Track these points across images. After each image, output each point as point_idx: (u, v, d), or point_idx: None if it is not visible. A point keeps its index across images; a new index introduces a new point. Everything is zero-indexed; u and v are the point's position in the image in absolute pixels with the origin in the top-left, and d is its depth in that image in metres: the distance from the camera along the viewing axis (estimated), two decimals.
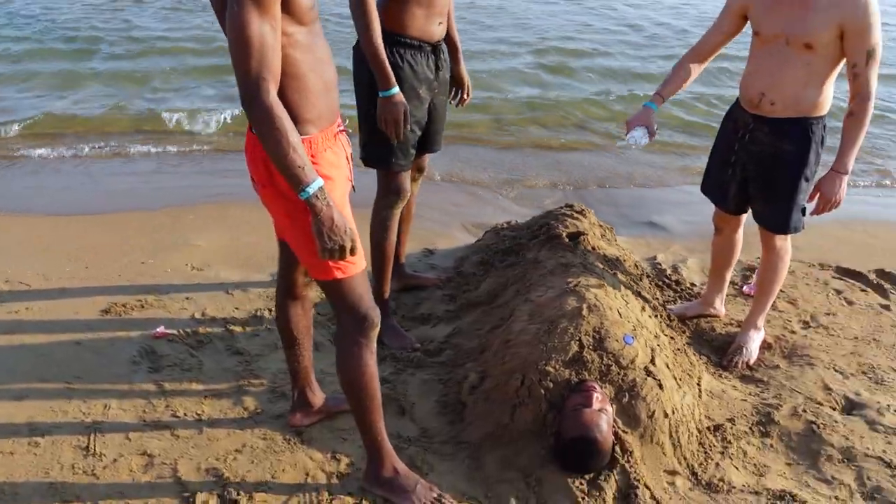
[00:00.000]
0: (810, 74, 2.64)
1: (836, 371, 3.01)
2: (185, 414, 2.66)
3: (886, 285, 3.74)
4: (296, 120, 1.92)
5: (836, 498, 2.36)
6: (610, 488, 2.31)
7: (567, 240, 3.26)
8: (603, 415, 2.33)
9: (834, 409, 2.79)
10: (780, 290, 3.50)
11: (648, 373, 2.51)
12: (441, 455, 2.50)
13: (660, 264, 3.92)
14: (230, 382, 2.85)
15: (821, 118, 2.74)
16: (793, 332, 3.31)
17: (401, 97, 2.69)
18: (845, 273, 3.86)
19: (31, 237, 4.00)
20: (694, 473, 2.44)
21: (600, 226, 3.65)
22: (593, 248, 3.22)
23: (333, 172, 2.04)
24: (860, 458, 2.52)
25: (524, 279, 3.15)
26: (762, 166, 2.81)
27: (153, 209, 4.44)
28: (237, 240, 4.11)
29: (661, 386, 2.50)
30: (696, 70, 2.87)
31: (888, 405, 2.79)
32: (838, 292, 3.67)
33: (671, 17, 11.10)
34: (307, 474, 2.40)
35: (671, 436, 2.48)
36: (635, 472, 2.35)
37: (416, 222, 3.67)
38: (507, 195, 5.04)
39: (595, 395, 2.36)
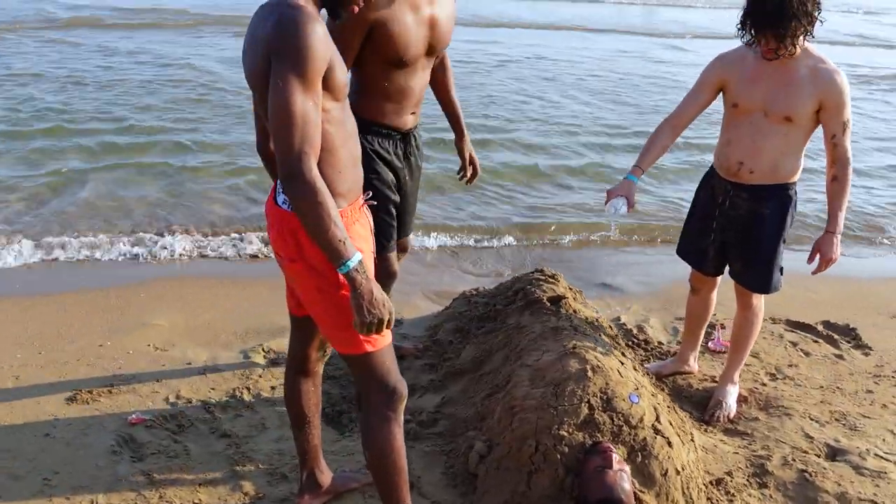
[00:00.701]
0: (787, 144, 2.84)
1: (811, 420, 3.16)
2: (197, 502, 2.51)
3: (835, 336, 3.99)
4: (336, 188, 1.93)
5: None
6: None
7: (548, 304, 3.32)
8: (624, 474, 2.36)
9: (818, 457, 2.91)
10: None
11: (657, 431, 2.57)
12: None
13: (625, 325, 4.04)
14: (223, 467, 2.72)
15: (794, 184, 2.94)
16: (763, 384, 3.46)
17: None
18: (795, 326, 4.09)
19: None
20: None
21: (571, 289, 3.75)
22: (574, 312, 3.30)
23: (363, 245, 2.05)
24: (855, 503, 2.64)
25: (510, 345, 3.18)
26: (742, 230, 2.98)
27: (101, 287, 4.24)
28: (197, 317, 3.97)
29: (669, 444, 2.56)
30: (672, 140, 3.03)
31: (867, 449, 2.94)
32: (794, 344, 3.88)
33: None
34: None
35: (684, 493, 2.52)
36: None
37: None
38: (465, 260, 5.08)
39: (614, 455, 2.39)
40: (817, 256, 2.94)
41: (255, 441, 2.88)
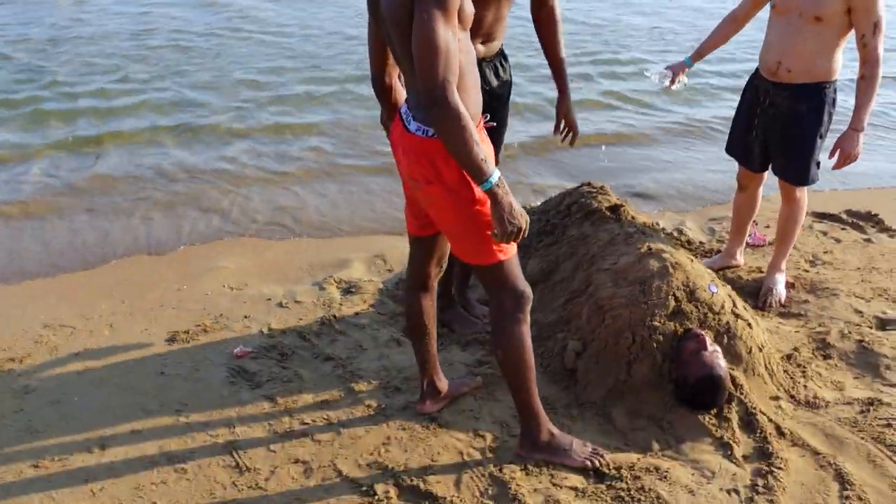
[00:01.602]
0: (821, 44, 3.03)
1: (857, 297, 3.45)
2: (313, 421, 2.72)
3: (860, 222, 4.27)
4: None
5: None
6: (734, 418, 2.61)
7: (608, 213, 3.53)
8: (718, 354, 2.63)
9: (871, 328, 3.21)
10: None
11: (737, 315, 2.83)
12: (570, 417, 2.71)
13: (664, 228, 4.27)
14: (337, 386, 2.93)
15: (832, 83, 3.15)
16: (805, 270, 3.75)
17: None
18: (822, 217, 4.37)
19: (41, 285, 3.85)
20: (792, 396, 2.78)
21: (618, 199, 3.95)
22: (633, 218, 3.51)
23: None
24: None
25: (578, 254, 3.39)
26: (782, 127, 3.20)
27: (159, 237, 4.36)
28: (260, 257, 4.13)
29: (749, 325, 2.83)
30: (732, 33, 3.37)
31: None
32: (824, 233, 4.16)
33: None
34: (461, 453, 2.54)
35: (766, 367, 2.81)
36: (750, 401, 2.66)
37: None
38: None
39: (706, 339, 2.64)
40: (838, 152, 3.14)
41: (358, 361, 3.08)
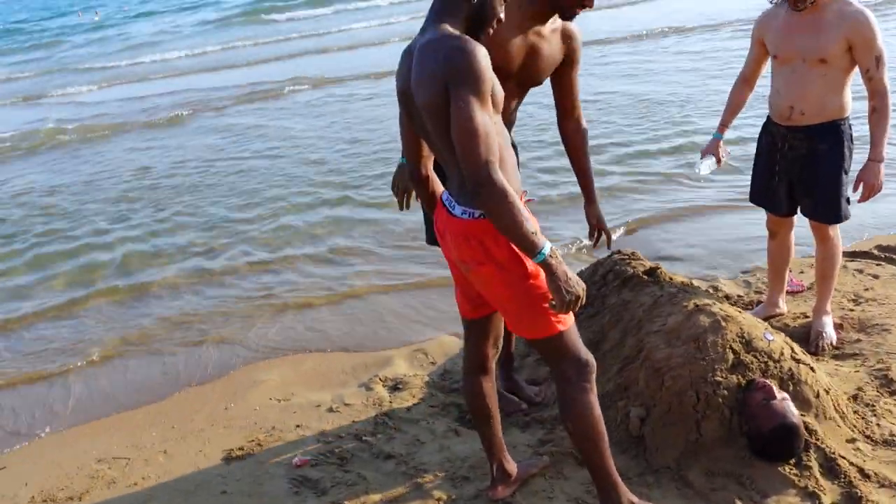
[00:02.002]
0: (829, 84, 3.14)
1: None
2: None
3: (893, 255, 4.27)
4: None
5: None
6: (814, 465, 2.55)
7: (645, 276, 3.55)
8: (788, 401, 2.58)
9: None
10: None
11: (797, 360, 2.80)
12: (646, 485, 2.65)
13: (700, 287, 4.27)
14: (403, 483, 2.88)
15: (845, 118, 3.23)
16: (851, 310, 3.72)
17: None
18: (854, 255, 4.36)
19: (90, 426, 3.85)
20: (868, 437, 2.72)
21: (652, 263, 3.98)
22: (670, 279, 3.53)
23: None
24: None
25: (623, 320, 3.39)
26: (804, 168, 3.26)
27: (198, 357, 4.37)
28: (301, 366, 4.13)
29: (812, 369, 2.80)
30: (748, 94, 3.47)
31: None
32: (860, 271, 4.15)
33: None
34: None
35: (836, 410, 2.76)
36: (827, 446, 2.60)
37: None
38: None
39: (773, 387, 2.61)
40: (861, 185, 3.18)
41: (419, 455, 3.04)
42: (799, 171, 3.30)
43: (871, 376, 3.10)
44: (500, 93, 2.12)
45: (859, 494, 2.41)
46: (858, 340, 3.44)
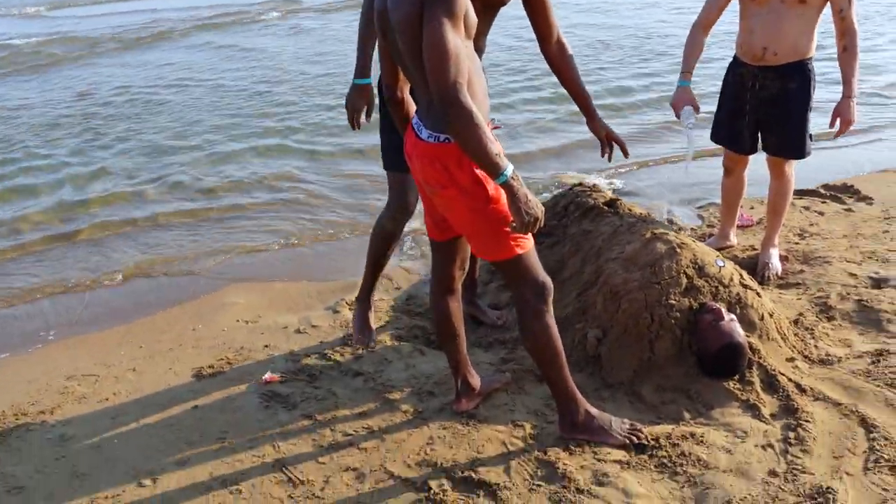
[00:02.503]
0: (804, 24, 3.25)
1: (848, 262, 3.64)
2: (355, 431, 2.80)
3: (838, 194, 4.49)
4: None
5: None
6: (756, 381, 2.75)
7: (606, 207, 3.68)
8: (735, 323, 2.77)
9: (867, 287, 3.38)
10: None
11: (745, 286, 2.98)
12: (602, 399, 2.82)
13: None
14: (372, 399, 3.00)
15: (811, 58, 3.36)
16: (796, 243, 3.93)
17: (369, 89, 2.96)
18: (802, 193, 4.57)
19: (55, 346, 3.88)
20: (806, 356, 2.93)
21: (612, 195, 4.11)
22: (629, 210, 3.67)
23: None
24: None
25: (582, 249, 3.53)
26: (774, 106, 3.39)
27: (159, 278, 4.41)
28: (267, 291, 4.20)
29: (758, 294, 2.98)
30: (705, 39, 3.44)
31: None
32: (806, 208, 4.36)
33: None
34: (504, 443, 2.63)
35: (778, 332, 2.96)
36: (768, 364, 2.80)
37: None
38: None
39: (722, 310, 2.79)
40: (838, 120, 3.36)
41: (386, 373, 3.17)
42: (768, 110, 3.43)
43: (812, 303, 3.31)
44: (473, 19, 2.17)
45: (795, 406, 2.62)
46: (802, 271, 3.65)
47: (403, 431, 2.76)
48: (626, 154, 3.00)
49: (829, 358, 2.91)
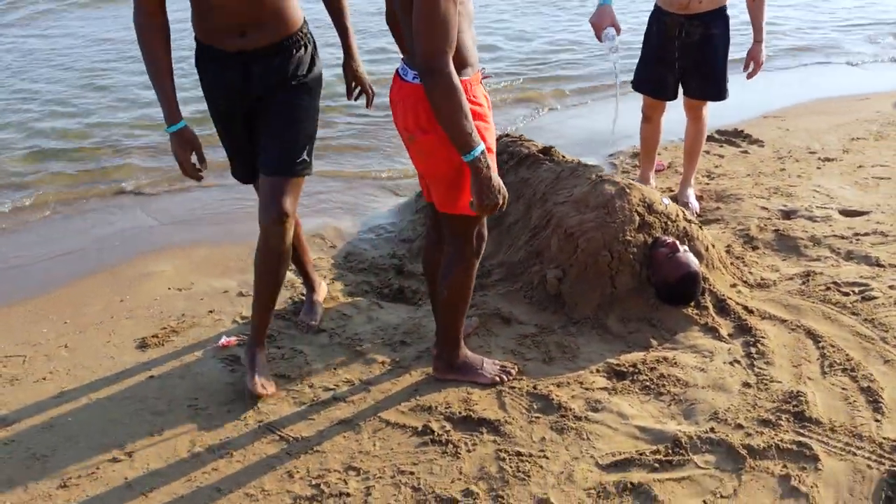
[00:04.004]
0: None
1: (757, 197, 3.98)
2: (336, 386, 2.75)
3: (731, 138, 4.87)
4: (464, 62, 2.20)
5: (832, 249, 3.35)
6: (709, 305, 2.98)
7: (541, 155, 3.80)
8: (689, 254, 2.97)
9: (779, 219, 3.72)
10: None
11: (688, 220, 3.20)
12: (570, 335, 2.95)
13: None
14: (343, 353, 2.96)
15: (726, 6, 3.60)
16: (707, 184, 4.24)
17: (187, 133, 2.51)
18: None
19: None
20: (744, 282, 3.20)
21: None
22: (563, 157, 3.81)
23: (486, 112, 2.34)
24: (823, 239, 3.49)
25: (525, 196, 3.63)
26: (699, 51, 3.62)
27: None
28: (191, 256, 4.00)
29: (700, 227, 3.21)
30: None
31: (809, 205, 3.80)
32: (707, 152, 4.69)
33: None
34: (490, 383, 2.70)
35: (720, 261, 3.20)
36: (717, 290, 3.04)
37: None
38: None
39: (676, 242, 2.98)
40: (751, 63, 3.64)
41: (350, 327, 3.14)
42: (693, 55, 3.64)
43: (736, 235, 3.61)
44: None
45: (748, 325, 2.86)
46: (718, 208, 3.95)
47: (386, 381, 2.76)
48: (368, 104, 2.94)
49: (765, 282, 3.19)
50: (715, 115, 5.27)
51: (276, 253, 2.60)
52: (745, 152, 4.71)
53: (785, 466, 2.17)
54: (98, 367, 3.02)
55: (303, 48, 2.58)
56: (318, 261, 3.78)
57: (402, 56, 2.39)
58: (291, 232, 2.61)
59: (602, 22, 3.37)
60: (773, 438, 2.27)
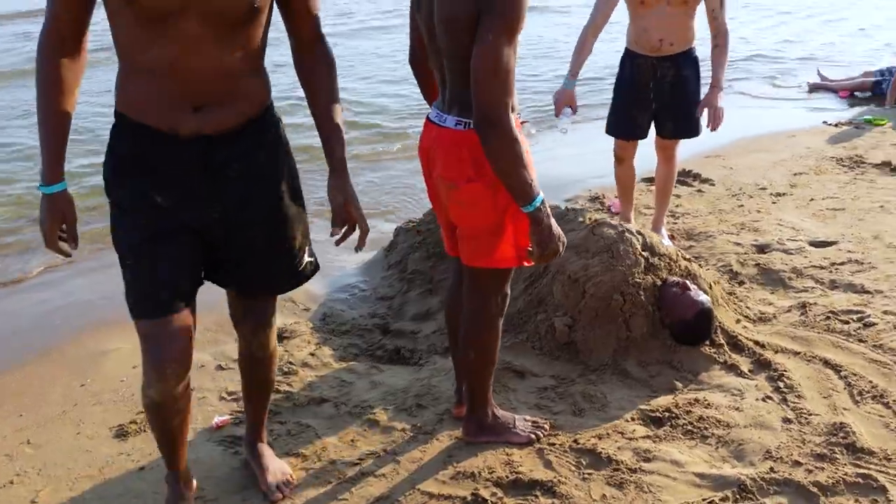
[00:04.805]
0: (688, 18, 3.61)
1: (727, 234, 4.07)
2: (360, 460, 2.54)
3: (684, 178, 5.00)
4: (512, 108, 2.12)
5: (815, 279, 3.47)
6: (724, 343, 2.97)
7: None
8: (699, 291, 2.97)
9: (755, 253, 3.81)
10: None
11: (688, 260, 3.21)
12: (591, 383, 2.86)
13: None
14: (355, 423, 2.75)
15: (695, 47, 3.71)
16: (673, 223, 4.31)
17: (62, 199, 1.89)
18: (649, 181, 5.01)
19: None
20: (746, 317, 3.22)
21: None
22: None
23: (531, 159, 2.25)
24: (804, 270, 3.58)
25: None
26: (672, 92, 3.69)
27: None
28: None
29: (700, 265, 3.22)
30: (594, 42, 3.69)
31: (779, 238, 3.92)
32: None
33: None
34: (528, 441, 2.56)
35: (722, 298, 3.22)
36: (728, 327, 3.04)
37: None
38: None
39: (686, 282, 2.97)
40: (712, 111, 3.64)
41: (354, 394, 2.93)
42: (667, 96, 3.71)
43: (720, 272, 3.65)
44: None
45: (767, 360, 2.87)
46: (692, 246, 4.00)
47: (414, 450, 2.57)
48: (360, 246, 2.03)
49: (764, 315, 3.23)
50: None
51: (262, 361, 2.31)
52: (700, 191, 4.84)
53: (857, 501, 2.13)
54: (74, 463, 2.67)
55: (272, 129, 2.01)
56: (294, 325, 3.56)
57: (427, 100, 2.29)
58: (275, 329, 2.28)
59: (563, 100, 3.64)
60: (835, 473, 2.24)
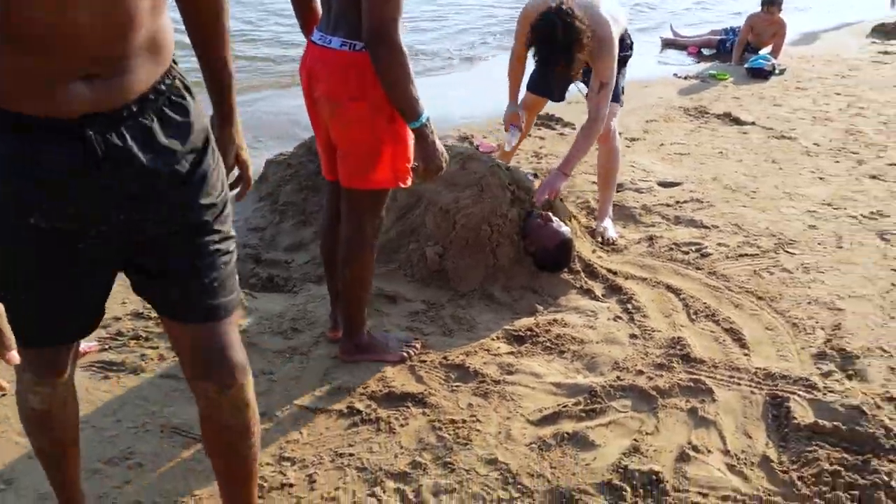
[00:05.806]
0: None
1: (586, 174, 4.34)
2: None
3: (546, 122, 5.23)
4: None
5: (662, 216, 3.75)
6: (580, 270, 3.22)
7: None
8: (560, 223, 3.19)
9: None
10: None
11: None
12: (460, 307, 3.04)
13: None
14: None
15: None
16: (538, 163, 4.54)
17: None
18: None
19: None
20: (600, 247, 3.50)
21: None
22: None
23: None
24: (653, 207, 3.92)
25: None
26: None
27: None
28: None
29: (561, 200, 3.45)
30: (524, 68, 3.85)
31: (632, 179, 4.23)
32: (529, 135, 5.01)
33: None
34: (399, 360, 2.71)
35: (580, 230, 3.47)
36: (584, 256, 3.29)
37: None
38: None
39: (549, 214, 3.19)
40: (547, 191, 3.30)
41: None
42: None
43: (578, 208, 3.93)
44: None
45: (617, 285, 3.15)
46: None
47: (290, 369, 2.65)
48: (241, 195, 1.73)
49: (616, 246, 3.51)
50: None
51: (233, 428, 1.60)
52: (562, 134, 5.11)
53: (689, 401, 2.43)
54: None
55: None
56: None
57: (304, 31, 2.32)
58: (251, 388, 1.60)
59: (509, 120, 3.93)
60: (672, 379, 2.53)
